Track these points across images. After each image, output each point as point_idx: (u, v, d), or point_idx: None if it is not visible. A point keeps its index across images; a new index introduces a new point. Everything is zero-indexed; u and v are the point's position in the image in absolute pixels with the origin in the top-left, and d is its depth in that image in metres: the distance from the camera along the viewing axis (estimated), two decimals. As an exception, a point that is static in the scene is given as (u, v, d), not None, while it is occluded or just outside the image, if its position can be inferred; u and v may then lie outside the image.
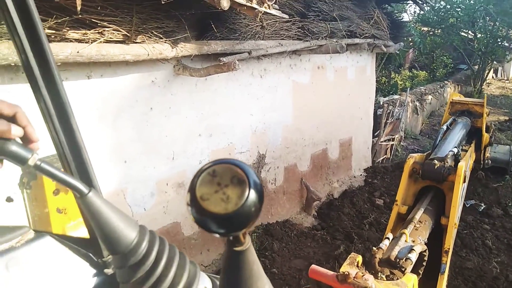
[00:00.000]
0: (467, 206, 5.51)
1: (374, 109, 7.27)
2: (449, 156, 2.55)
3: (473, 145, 3.72)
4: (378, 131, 7.32)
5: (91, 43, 2.42)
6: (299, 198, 5.30)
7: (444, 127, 3.36)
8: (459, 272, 4.03)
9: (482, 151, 4.55)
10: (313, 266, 1.63)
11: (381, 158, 7.54)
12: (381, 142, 7.40)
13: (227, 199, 0.43)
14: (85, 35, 2.38)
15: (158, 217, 3.43)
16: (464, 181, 2.47)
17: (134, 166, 3.18)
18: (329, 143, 5.83)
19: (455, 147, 2.77)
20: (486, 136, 4.15)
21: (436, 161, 2.49)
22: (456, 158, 2.67)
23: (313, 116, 5.32)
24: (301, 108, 5.07)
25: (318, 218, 5.26)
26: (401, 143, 8.53)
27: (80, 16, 2.26)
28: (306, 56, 4.95)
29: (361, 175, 6.62)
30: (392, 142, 7.86)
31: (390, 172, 6.67)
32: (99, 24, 2.43)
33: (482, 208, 5.44)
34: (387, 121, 7.51)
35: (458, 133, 3.29)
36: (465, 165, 2.50)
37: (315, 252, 4.28)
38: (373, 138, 7.18)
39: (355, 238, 4.52)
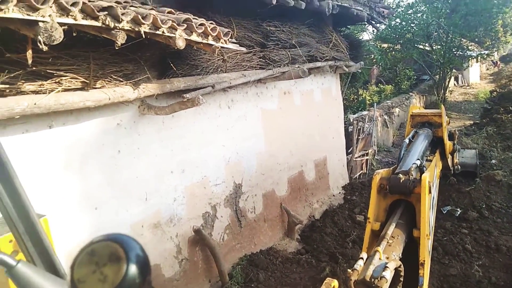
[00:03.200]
0: (444, 212, 5.62)
1: (345, 126, 7.44)
2: (413, 169, 2.61)
3: (437, 154, 3.83)
4: (352, 148, 7.46)
5: (49, 93, 2.41)
6: (280, 223, 5.27)
7: (407, 140, 3.45)
8: (444, 280, 4.06)
9: (450, 158, 4.69)
10: None
11: (358, 174, 7.65)
12: (356, 158, 7.54)
13: (104, 279, 0.41)
14: (41, 86, 2.37)
15: (135, 261, 3.32)
16: (430, 192, 2.52)
17: (105, 212, 3.10)
18: (304, 165, 5.89)
19: (418, 159, 2.84)
20: (449, 144, 4.28)
21: (401, 175, 2.54)
22: (421, 170, 2.74)
23: (285, 140, 5.39)
24: (273, 134, 5.13)
25: (301, 241, 5.23)
26: (375, 157, 8.71)
27: (34, 68, 2.25)
28: (271, 83, 5.06)
29: (339, 192, 6.68)
30: (367, 157, 8.02)
31: (368, 187, 6.75)
32: (55, 74, 2.42)
33: (458, 212, 5.56)
34: (359, 137, 7.69)
35: (420, 144, 3.38)
36: (430, 175, 2.56)
37: (301, 278, 4.22)
38: (347, 155, 7.31)
39: (339, 258, 4.50)
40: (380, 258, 2.03)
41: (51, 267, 0.72)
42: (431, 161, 3.37)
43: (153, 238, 3.49)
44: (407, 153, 3.10)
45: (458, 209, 5.65)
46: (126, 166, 3.27)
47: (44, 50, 1.97)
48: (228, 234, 4.40)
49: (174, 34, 2.58)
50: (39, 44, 1.93)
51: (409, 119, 4.08)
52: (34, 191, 2.62)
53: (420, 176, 2.48)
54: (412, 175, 2.55)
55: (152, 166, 3.50)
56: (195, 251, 3.94)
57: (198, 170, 4.01)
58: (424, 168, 2.74)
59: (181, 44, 2.61)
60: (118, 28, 2.22)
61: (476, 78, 24.26)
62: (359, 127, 7.71)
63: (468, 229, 5.08)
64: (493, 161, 7.35)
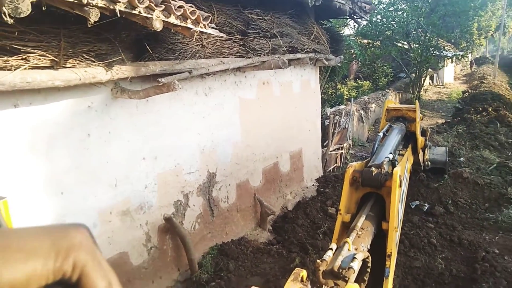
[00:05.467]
0: (413, 207, 5.79)
1: (322, 120, 7.50)
2: (385, 162, 2.65)
3: (409, 149, 3.91)
4: (327, 141, 7.54)
5: (14, 70, 2.27)
6: (253, 214, 5.28)
7: (381, 134, 3.50)
8: (409, 272, 4.19)
9: (421, 154, 4.81)
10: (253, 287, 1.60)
11: (332, 167, 7.75)
12: (331, 151, 7.62)
13: None
14: (6, 62, 2.23)
15: (102, 248, 3.23)
16: (401, 185, 2.57)
17: (72, 197, 2.99)
18: (280, 156, 5.90)
19: (391, 153, 2.88)
20: (421, 140, 4.39)
21: (373, 168, 2.57)
22: (393, 164, 2.79)
23: (262, 131, 5.37)
24: (249, 124, 5.10)
25: (273, 232, 5.26)
26: (350, 151, 8.85)
27: (-2, 42, 2.12)
28: (251, 72, 5.01)
29: (313, 185, 6.75)
30: (341, 151, 8.13)
31: (341, 180, 6.86)
32: (22, 50, 2.29)
33: (426, 208, 5.74)
34: (335, 130, 7.77)
35: (394, 138, 3.44)
36: (401, 170, 2.61)
37: (271, 268, 4.25)
38: (322, 148, 7.38)
39: (309, 249, 4.56)
40: (349, 249, 2.05)
41: None
42: (403, 155, 3.43)
43: (121, 226, 3.41)
44: (381, 147, 3.14)
45: (426, 204, 5.83)
46: (96, 151, 3.16)
47: (10, 23, 1.85)
48: (200, 223, 4.36)
49: (151, 15, 2.48)
50: (3, 16, 1.81)
51: (384, 112, 4.15)
52: (-5, 173, 2.49)
53: (392, 170, 2.53)
54: (384, 169, 2.59)
55: (124, 151, 3.40)
56: (165, 240, 3.89)
57: (172, 157, 3.93)
58: (396, 162, 2.79)
59: (158, 26, 2.52)
60: (91, 4, 2.11)
61: (450, 78, 25.00)
62: (335, 121, 7.78)
63: (434, 224, 5.26)
64: (461, 159, 7.62)
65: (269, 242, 4.93)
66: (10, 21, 1.84)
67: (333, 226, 5.23)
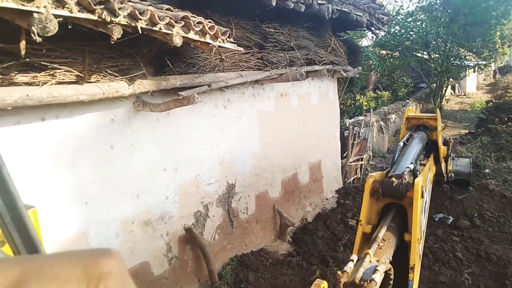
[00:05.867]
0: (436, 220, 5.63)
1: (341, 131, 7.46)
2: (406, 173, 2.61)
3: (431, 158, 3.84)
4: (346, 152, 7.47)
5: (42, 85, 2.39)
6: (272, 225, 5.26)
7: (401, 143, 3.45)
8: (434, 287, 4.06)
9: (443, 164, 4.71)
10: None
11: (352, 179, 7.66)
12: (350, 162, 7.55)
13: None
14: (35, 78, 2.35)
15: (124, 258, 3.27)
16: (423, 196, 2.52)
17: (96, 207, 3.07)
18: (299, 167, 5.88)
19: (412, 163, 2.84)
20: (443, 149, 4.30)
21: (394, 179, 2.54)
22: (414, 174, 2.75)
23: (280, 142, 5.39)
24: (268, 136, 5.13)
25: (293, 244, 5.22)
26: (370, 162, 8.73)
27: (27, 59, 2.24)
28: (269, 85, 5.06)
29: (333, 196, 6.68)
30: (361, 162, 8.03)
31: (361, 191, 6.75)
32: (49, 66, 2.40)
33: (450, 220, 5.58)
34: (354, 141, 7.70)
35: (415, 148, 3.38)
36: (423, 180, 2.57)
37: (291, 280, 4.21)
38: (342, 159, 7.32)
39: (330, 261, 4.50)
40: (370, 261, 2.03)
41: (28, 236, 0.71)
42: (425, 165, 3.37)
43: (143, 236, 3.47)
44: (401, 156, 3.10)
45: (450, 217, 5.66)
46: (119, 162, 3.25)
47: (38, 41, 1.95)
48: (219, 234, 4.38)
49: (172, 31, 2.57)
50: (32, 35, 1.91)
51: (404, 121, 4.09)
52: (24, 183, 2.60)
53: (413, 180, 2.49)
54: (405, 179, 2.55)
55: (145, 163, 3.48)
56: (186, 250, 3.92)
57: (192, 168, 3.99)
58: (418, 172, 2.75)
59: (178, 41, 2.60)
60: (114, 22, 2.21)
61: (472, 88, 24.45)
62: (354, 132, 7.72)
63: (459, 237, 5.09)
64: (487, 170, 7.39)
65: (288, 254, 4.89)
66: (39, 39, 1.94)
67: (353, 238, 5.15)
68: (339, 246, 4.93)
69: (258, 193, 5.00)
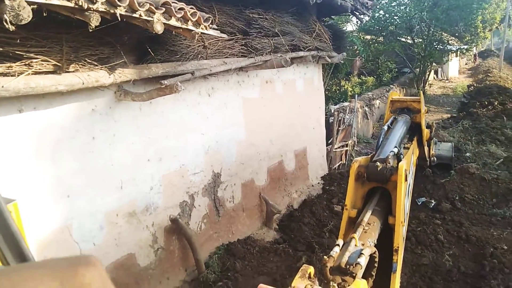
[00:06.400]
0: (419, 203, 5.75)
1: (326, 117, 7.48)
2: (390, 157, 2.63)
3: (415, 141, 3.88)
4: (332, 139, 7.52)
5: (18, 76, 2.29)
6: (259, 213, 5.28)
7: (385, 127, 3.46)
8: (416, 270, 4.17)
9: (426, 148, 4.78)
10: (261, 285, 1.60)
11: (337, 165, 7.73)
12: (335, 149, 7.60)
13: None
14: (9, 68, 2.25)
15: (110, 250, 3.27)
16: (406, 179, 2.55)
17: (78, 200, 3.02)
18: (285, 155, 5.89)
19: (396, 146, 2.86)
20: (426, 132, 4.36)
21: (378, 163, 2.56)
22: (398, 157, 2.77)
23: (266, 130, 5.37)
24: (253, 123, 5.10)
25: (279, 231, 5.26)
26: (355, 148, 8.81)
27: (1, 49, 2.14)
28: (253, 71, 5.01)
29: (318, 183, 6.73)
30: (346, 148, 8.10)
31: (346, 177, 6.83)
32: (25, 56, 2.31)
33: (432, 204, 5.71)
34: (339, 128, 7.75)
35: (398, 131, 3.41)
36: (406, 164, 2.59)
37: (278, 267, 4.26)
38: (327, 145, 7.36)
39: (316, 247, 4.56)
40: (356, 245, 2.05)
41: (19, 254, 0.67)
42: (408, 148, 3.41)
43: (128, 227, 3.43)
44: (385, 140, 3.11)
45: (433, 201, 5.79)
46: (101, 153, 3.18)
47: (11, 30, 1.87)
48: (206, 223, 4.38)
49: (152, 18, 2.49)
50: (5, 23, 1.82)
51: (388, 104, 4.12)
52: (3, 177, 2.52)
53: (397, 164, 2.52)
54: (390, 163, 2.58)
55: (129, 153, 3.42)
56: (172, 240, 3.91)
57: (176, 158, 3.95)
58: (402, 156, 2.77)
59: (159, 28, 2.53)
60: (92, 9, 2.12)
61: (455, 72, 24.82)
62: (339, 118, 7.76)
63: (441, 220, 5.22)
64: (468, 154, 7.56)
65: (275, 241, 4.93)
66: (12, 28, 1.85)
67: (339, 224, 5.22)
68: (325, 232, 5.00)
69: (244, 182, 5.00)
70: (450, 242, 4.68)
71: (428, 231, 4.87)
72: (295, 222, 5.24)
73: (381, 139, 3.22)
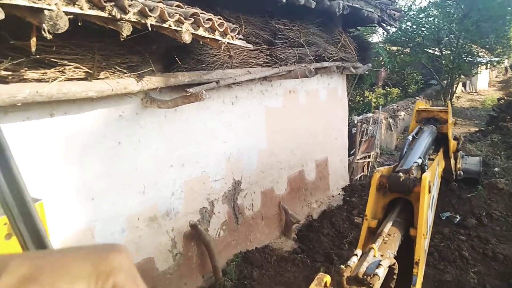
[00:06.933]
0: (443, 218, 5.59)
1: (349, 128, 7.41)
2: (414, 167, 2.58)
3: (441, 153, 3.79)
4: (354, 150, 7.44)
5: (51, 82, 2.40)
6: (278, 222, 5.27)
7: (410, 137, 3.40)
8: (439, 286, 4.04)
9: (453, 161, 4.65)
10: None
11: (359, 176, 7.63)
12: (358, 160, 7.51)
13: None
14: (44, 74, 2.36)
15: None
16: (430, 191, 2.50)
17: (102, 203, 3.10)
18: (305, 164, 5.87)
19: (420, 157, 2.80)
20: (453, 143, 4.25)
21: (401, 174, 2.51)
22: (422, 168, 2.72)
23: (287, 139, 5.37)
24: (275, 132, 5.12)
25: (298, 241, 5.22)
26: (377, 160, 8.68)
27: (38, 56, 2.25)
28: (277, 81, 5.04)
29: (339, 194, 6.66)
30: (369, 159, 7.98)
31: (368, 189, 6.69)
32: (59, 63, 2.41)
33: (457, 219, 5.53)
34: (362, 139, 7.66)
35: (423, 142, 3.33)
36: (431, 175, 2.54)
37: (295, 277, 4.22)
38: (349, 156, 7.28)
39: (335, 259, 4.50)
40: (374, 256, 2.01)
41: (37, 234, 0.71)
42: (433, 160, 3.34)
43: (148, 231, 3.50)
44: (409, 150, 3.06)
45: (458, 216, 5.61)
46: (126, 158, 3.27)
47: (48, 38, 1.96)
48: (225, 230, 4.40)
49: (181, 28, 2.56)
50: (43, 32, 1.92)
51: (414, 114, 4.04)
52: (32, 178, 2.63)
53: (421, 175, 2.47)
54: (413, 174, 2.53)
55: (152, 159, 3.50)
56: (190, 246, 3.95)
57: (198, 165, 4.00)
58: (426, 167, 2.72)
59: (187, 38, 2.60)
60: (124, 19, 2.20)
61: (484, 85, 24.09)
62: (362, 129, 7.67)
63: (466, 236, 5.04)
64: (496, 169, 7.30)
65: (293, 251, 4.90)
66: (49, 36, 1.95)
67: (359, 236, 5.16)
68: (344, 243, 4.93)
69: (264, 190, 5.00)
70: (475, 259, 4.52)
71: (452, 247, 4.72)
72: (314, 233, 5.19)
73: (405, 149, 3.15)
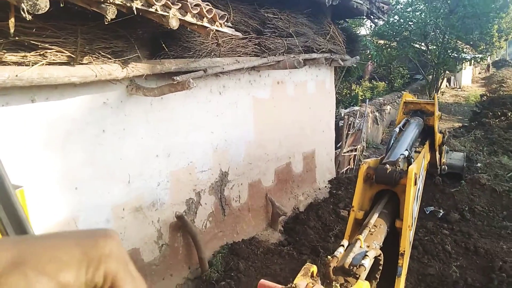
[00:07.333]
0: (427, 212, 5.67)
1: (336, 120, 7.42)
2: (400, 159, 2.59)
3: (427, 145, 3.82)
4: (341, 143, 7.46)
5: (32, 65, 2.29)
6: (264, 214, 5.25)
7: (397, 129, 3.41)
8: (422, 279, 4.10)
9: (438, 155, 4.70)
10: (262, 280, 1.58)
11: (345, 169, 7.67)
12: (344, 153, 7.54)
13: None
14: (24, 57, 2.26)
15: (115, 244, 3.26)
16: (416, 183, 2.51)
17: (86, 192, 3.02)
18: (293, 156, 5.85)
19: (406, 149, 2.81)
20: (439, 136, 4.29)
21: (388, 165, 2.52)
22: (408, 161, 2.73)
23: (275, 130, 5.34)
24: (263, 123, 5.07)
25: (284, 233, 5.22)
26: (364, 153, 8.74)
27: (17, 38, 2.14)
28: (265, 71, 4.98)
29: (325, 186, 6.68)
30: (355, 153, 8.03)
31: (354, 182, 6.75)
32: (40, 46, 2.31)
33: (441, 214, 5.62)
34: (349, 132, 7.68)
35: (410, 134, 3.35)
36: (416, 167, 2.55)
37: (281, 269, 4.22)
38: (336, 149, 7.31)
39: (321, 251, 4.52)
40: (361, 246, 2.02)
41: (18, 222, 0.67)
42: (419, 152, 3.36)
43: (134, 222, 3.43)
44: (396, 142, 3.07)
45: (441, 210, 5.70)
46: (110, 147, 3.18)
47: (28, 19, 1.86)
48: (211, 222, 4.36)
49: (168, 13, 2.48)
50: (22, 12, 1.82)
51: (401, 106, 4.06)
52: (12, 165, 2.53)
53: (407, 167, 2.48)
54: (399, 166, 2.54)
55: (138, 148, 3.42)
56: (176, 237, 3.89)
57: (185, 155, 3.93)
58: (412, 159, 2.73)
59: (174, 24, 2.51)
60: (108, 1, 2.11)
61: (468, 81, 24.49)
62: (349, 122, 7.70)
63: (449, 230, 5.13)
64: (479, 164, 7.43)
65: (280, 243, 4.90)
66: (29, 17, 1.85)
67: (345, 228, 5.19)
68: (330, 236, 4.95)
69: (251, 182, 4.97)
70: (457, 253, 4.60)
71: (436, 241, 4.80)
72: (301, 225, 5.20)
73: (392, 141, 3.16)
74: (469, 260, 4.49)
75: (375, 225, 2.32)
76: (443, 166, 5.26)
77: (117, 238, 0.44)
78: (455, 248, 4.68)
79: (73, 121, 2.89)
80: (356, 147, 7.98)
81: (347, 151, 7.68)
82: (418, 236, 4.86)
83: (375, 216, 2.37)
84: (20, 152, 2.59)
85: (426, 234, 5.02)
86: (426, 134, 4.05)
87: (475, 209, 5.67)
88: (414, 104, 4.10)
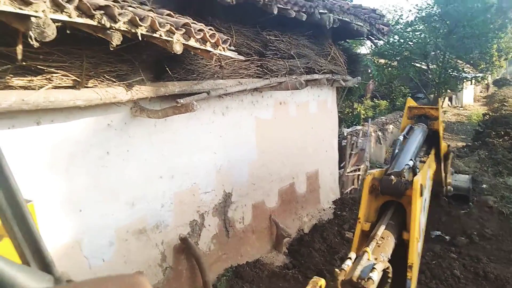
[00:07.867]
0: (433, 237, 5.53)
1: (339, 140, 7.41)
2: (405, 170, 2.57)
3: (431, 155, 3.79)
4: (344, 163, 7.43)
5: (38, 89, 2.33)
6: (269, 235, 5.19)
7: (401, 137, 3.39)
8: (431, 304, 3.99)
9: (443, 174, 4.65)
10: None
11: (349, 189, 7.61)
12: (348, 173, 7.50)
13: None
14: (31, 81, 2.29)
15: (118, 267, 3.21)
16: (422, 195, 2.48)
17: (90, 215, 3.00)
18: (296, 177, 5.83)
19: (411, 159, 2.79)
20: (444, 145, 4.26)
21: (393, 176, 2.50)
22: (413, 171, 2.70)
23: (278, 151, 5.34)
24: (266, 144, 5.08)
25: (289, 255, 5.14)
26: (367, 173, 8.68)
27: (24, 63, 2.18)
28: (268, 92, 5.02)
29: (330, 207, 6.61)
30: (358, 173, 7.98)
31: (358, 203, 6.69)
32: (46, 70, 2.35)
33: (448, 239, 5.48)
34: (352, 152, 7.66)
35: (415, 142, 3.32)
36: (422, 178, 2.53)
37: (286, 292, 4.13)
38: (339, 169, 7.27)
39: (327, 275, 4.42)
40: (368, 259, 1.99)
41: (38, 254, 0.69)
42: (425, 162, 3.33)
43: (137, 244, 3.39)
44: (400, 152, 3.04)
45: (447, 237, 5.53)
46: (114, 169, 3.18)
47: (35, 46, 1.90)
48: (215, 244, 4.31)
49: (172, 38, 2.53)
50: (30, 40, 1.86)
51: (406, 111, 4.06)
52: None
53: (413, 178, 2.46)
54: (405, 177, 2.52)
55: (141, 170, 3.42)
56: (180, 260, 3.84)
57: (188, 176, 3.93)
58: (417, 169, 2.71)
59: (178, 49, 2.56)
60: (114, 28, 2.16)
61: (469, 100, 24.57)
62: (352, 142, 7.69)
63: (457, 254, 4.98)
64: (484, 185, 7.34)
65: (284, 266, 4.81)
66: (36, 44, 1.89)
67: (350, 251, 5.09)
68: (335, 259, 4.86)
69: (254, 203, 4.93)
70: (466, 278, 4.46)
71: (444, 265, 4.66)
72: (305, 247, 5.12)
73: (396, 150, 3.13)
74: (479, 285, 4.35)
75: (382, 237, 2.29)
76: (448, 187, 5.20)
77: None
78: (464, 273, 4.54)
79: (78, 143, 2.90)
80: (359, 166, 7.94)
81: (351, 171, 7.64)
82: (425, 259, 4.74)
83: (382, 227, 2.35)
84: (25, 174, 2.59)
85: (434, 258, 4.90)
86: (431, 140, 4.01)
87: (485, 232, 5.52)
88: (418, 109, 4.13)
